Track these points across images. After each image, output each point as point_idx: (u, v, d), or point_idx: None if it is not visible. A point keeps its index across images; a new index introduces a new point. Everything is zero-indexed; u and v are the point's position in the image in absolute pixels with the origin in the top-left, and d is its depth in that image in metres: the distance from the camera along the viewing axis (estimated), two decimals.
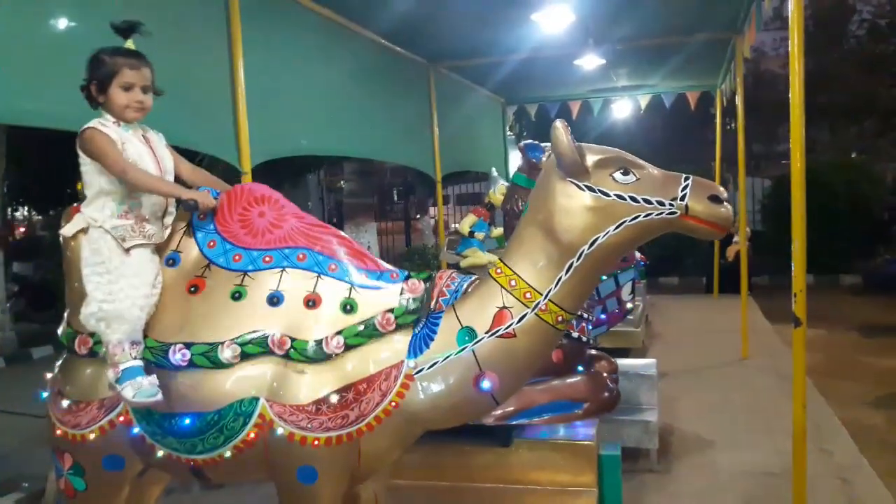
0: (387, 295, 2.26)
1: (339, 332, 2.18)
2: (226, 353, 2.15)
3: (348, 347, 2.18)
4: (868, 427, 5.24)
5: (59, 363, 2.44)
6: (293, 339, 2.17)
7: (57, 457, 2.40)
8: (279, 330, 2.18)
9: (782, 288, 11.69)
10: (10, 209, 18.77)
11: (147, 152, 2.32)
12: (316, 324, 2.19)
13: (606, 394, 3.54)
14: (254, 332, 2.18)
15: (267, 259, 2.28)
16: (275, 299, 2.22)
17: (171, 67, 3.82)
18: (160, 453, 2.28)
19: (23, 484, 4.62)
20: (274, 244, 2.31)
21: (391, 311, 2.23)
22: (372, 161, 12.80)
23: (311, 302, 2.22)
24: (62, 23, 3.12)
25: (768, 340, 7.78)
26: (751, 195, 12.67)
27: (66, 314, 2.36)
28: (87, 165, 2.25)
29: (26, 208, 20.02)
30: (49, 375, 2.44)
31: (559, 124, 2.13)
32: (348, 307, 2.22)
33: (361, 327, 2.20)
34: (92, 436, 2.29)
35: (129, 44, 2.30)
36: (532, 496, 3.40)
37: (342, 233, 2.46)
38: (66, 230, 2.30)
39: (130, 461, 2.37)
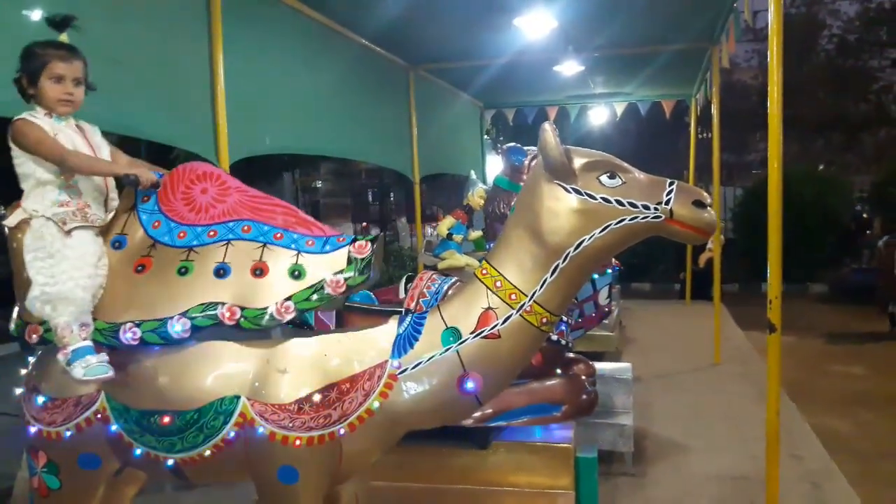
0: (335, 259, 2.23)
1: (288, 298, 2.16)
2: (176, 327, 2.13)
3: (300, 312, 2.16)
4: (837, 433, 5.34)
5: (33, 360, 2.39)
6: (243, 309, 2.15)
7: (31, 455, 2.35)
8: (229, 300, 2.15)
9: (752, 295, 11.84)
10: None
11: (82, 142, 2.29)
12: (265, 292, 2.17)
13: (584, 397, 3.56)
14: (202, 304, 2.15)
15: (212, 234, 2.26)
16: (221, 271, 2.19)
17: (150, 63, 3.81)
18: (138, 452, 2.24)
19: None
20: (218, 218, 2.29)
21: (340, 272, 2.20)
22: (349, 161, 12.74)
23: (259, 270, 2.19)
24: (38, 14, 3.05)
25: (740, 346, 7.90)
26: (722, 204, 12.86)
27: (16, 307, 2.32)
28: (20, 158, 2.23)
29: None
30: (24, 372, 2.39)
31: (548, 126, 2.15)
32: (296, 273, 2.19)
33: (311, 291, 2.18)
34: (67, 433, 2.25)
35: (63, 37, 2.29)
36: (510, 498, 3.40)
37: (287, 203, 2.43)
38: (10, 221, 2.27)
39: (107, 460, 2.33)
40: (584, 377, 3.64)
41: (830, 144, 19.02)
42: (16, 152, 2.23)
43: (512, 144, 3.98)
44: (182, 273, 2.21)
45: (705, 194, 2.17)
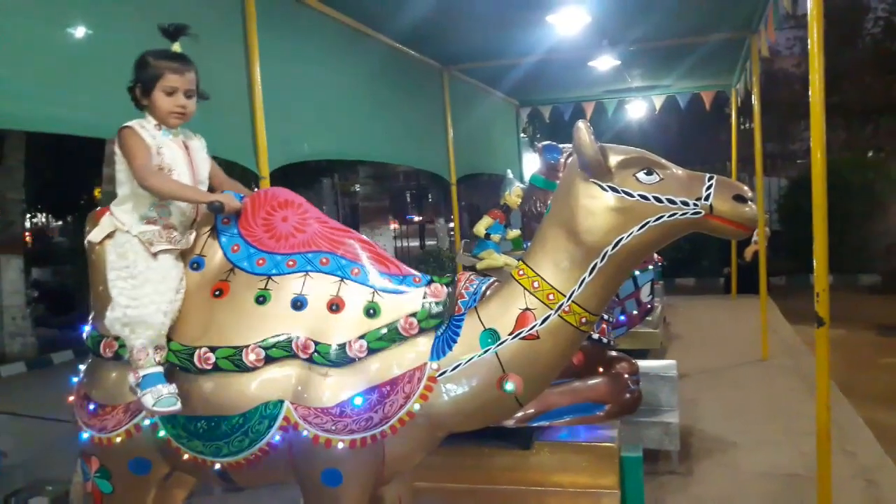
0: (410, 299, 2.25)
1: (362, 336, 2.18)
2: (250, 357, 2.16)
3: (371, 351, 2.18)
4: (891, 427, 5.17)
5: (84, 367, 2.46)
6: (317, 343, 2.17)
7: (84, 460, 2.42)
8: (303, 333, 2.18)
9: (800, 288, 11.57)
10: (28, 216, 18.99)
11: (183, 159, 2.32)
12: (339, 327, 2.19)
13: (628, 395, 3.52)
14: (278, 335, 2.18)
15: (290, 263, 2.28)
16: (298, 303, 2.22)
17: None
18: (186, 456, 2.29)
19: (47, 487, 4.66)
20: (297, 248, 2.31)
21: (414, 315, 2.22)
22: (386, 164, 12.81)
23: (335, 306, 2.22)
24: (81, 31, 3.14)
25: (788, 341, 7.72)
26: (767, 195, 12.59)
27: (91, 318, 2.38)
28: (121, 164, 2.26)
29: (44, 215, 20.24)
30: (75, 380, 2.46)
31: (582, 124, 2.13)
32: (371, 311, 2.22)
33: (384, 331, 2.20)
34: (118, 439, 2.31)
35: (176, 47, 2.30)
36: (553, 498, 3.38)
37: (364, 237, 2.46)
38: (94, 236, 2.31)
39: (156, 464, 2.38)
40: (627, 375, 3.60)
41: (879, 130, 18.45)
42: (118, 157, 2.27)
43: (547, 142, 3.95)
44: (259, 301, 2.23)
45: (746, 188, 2.12)
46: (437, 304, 2.24)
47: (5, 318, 9.37)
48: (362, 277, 2.27)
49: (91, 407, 2.34)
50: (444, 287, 2.27)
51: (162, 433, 2.29)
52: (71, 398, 2.44)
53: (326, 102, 5.19)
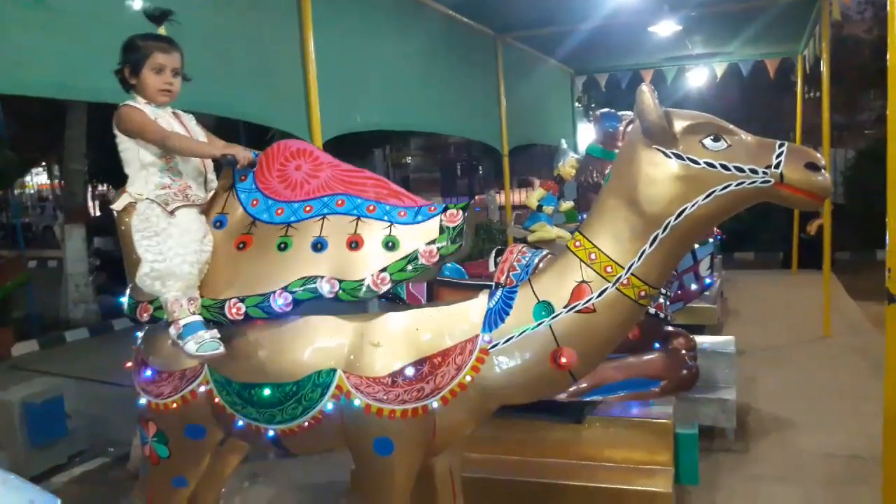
0: (426, 228, 2.23)
1: (384, 269, 2.17)
2: (279, 302, 2.19)
3: (394, 282, 2.18)
4: None
5: (142, 334, 2.51)
6: (341, 281, 2.17)
7: (142, 425, 2.47)
8: (327, 273, 2.19)
9: (865, 264, 11.13)
10: (91, 186, 19.58)
11: (180, 128, 2.39)
12: (361, 263, 2.19)
13: (684, 371, 3.44)
14: (302, 278, 2.19)
15: (308, 209, 2.30)
16: (318, 245, 2.23)
17: (244, 46, 3.91)
18: (240, 423, 2.31)
19: (108, 449, 4.84)
20: (313, 194, 2.33)
21: (432, 242, 2.20)
22: (437, 135, 12.76)
23: (354, 243, 2.21)
24: (139, 2, 3.16)
25: (852, 318, 7.45)
26: (833, 167, 12.12)
27: (129, 287, 2.42)
28: (124, 144, 2.32)
29: (107, 186, 20.85)
30: (133, 346, 2.51)
31: (645, 88, 2.04)
32: (390, 244, 2.21)
33: (405, 262, 2.19)
34: (174, 405, 2.35)
35: (162, 30, 2.40)
36: (606, 473, 3.34)
37: (378, 175, 2.45)
38: (117, 205, 2.36)
39: (211, 430, 2.42)
40: (684, 351, 3.52)
41: None
42: (120, 138, 2.32)
43: (605, 110, 3.84)
44: (281, 248, 2.26)
45: (819, 156, 2.00)
46: (453, 228, 2.20)
47: (69, 285, 9.70)
48: (378, 213, 2.26)
49: (148, 373, 2.39)
50: (460, 211, 2.23)
51: (217, 400, 2.32)
52: (129, 364, 2.49)
53: (379, 73, 5.15)
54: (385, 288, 2.17)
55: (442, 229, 2.21)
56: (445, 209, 2.25)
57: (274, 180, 2.40)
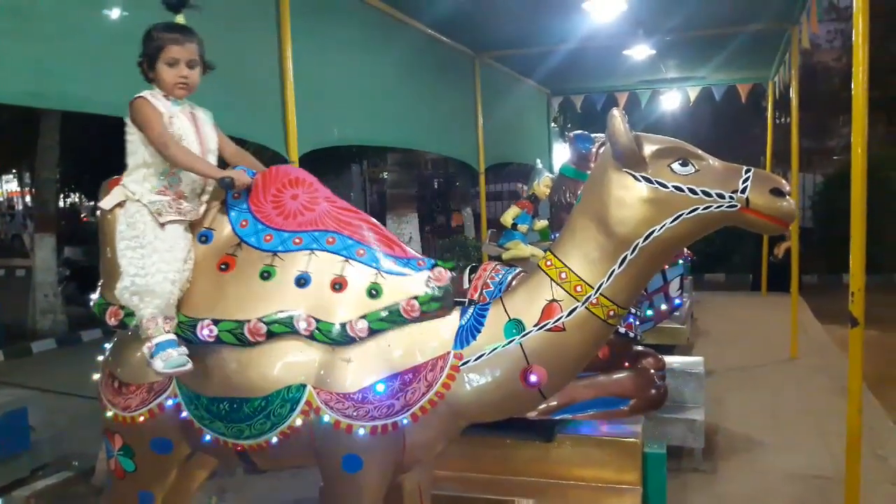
0: (413, 282, 2.24)
1: (363, 316, 2.17)
2: (252, 331, 2.16)
3: (372, 332, 2.17)
4: None
5: (110, 346, 2.48)
6: (318, 321, 2.16)
7: (108, 437, 2.43)
8: (305, 311, 2.17)
9: (832, 287, 11.31)
10: (62, 196, 19.29)
11: (192, 130, 2.34)
12: (341, 306, 2.18)
13: (653, 391, 3.47)
14: (280, 311, 2.18)
15: (297, 241, 2.28)
16: (302, 281, 2.21)
17: (221, 58, 3.85)
18: (208, 437, 2.29)
19: (73, 462, 4.74)
20: (305, 226, 2.31)
21: (416, 297, 2.21)
22: (414, 152, 12.78)
23: (338, 285, 2.21)
24: (116, 12, 3.16)
25: (819, 340, 7.58)
26: (801, 192, 12.34)
27: (99, 285, 2.38)
28: (132, 135, 2.28)
29: (77, 195, 20.57)
30: (101, 358, 2.48)
31: (616, 112, 2.08)
32: (374, 292, 2.20)
33: (385, 313, 2.18)
34: (141, 418, 2.32)
35: (180, 18, 2.32)
36: (575, 492, 3.36)
37: (372, 219, 2.45)
38: (105, 203, 2.32)
39: (178, 444, 2.39)
40: (653, 371, 3.55)
41: None
42: (129, 128, 2.28)
43: (579, 132, 3.90)
44: (264, 277, 2.23)
45: (784, 182, 2.06)
46: (439, 288, 2.23)
47: (37, 295, 9.54)
48: (367, 258, 2.26)
49: (115, 385, 2.36)
50: (448, 272, 2.26)
51: (185, 414, 2.29)
52: (96, 376, 2.46)
53: (357, 88, 5.17)
54: (361, 335, 2.16)
55: (427, 285, 2.22)
56: (434, 266, 2.27)
57: (268, 205, 2.37)
